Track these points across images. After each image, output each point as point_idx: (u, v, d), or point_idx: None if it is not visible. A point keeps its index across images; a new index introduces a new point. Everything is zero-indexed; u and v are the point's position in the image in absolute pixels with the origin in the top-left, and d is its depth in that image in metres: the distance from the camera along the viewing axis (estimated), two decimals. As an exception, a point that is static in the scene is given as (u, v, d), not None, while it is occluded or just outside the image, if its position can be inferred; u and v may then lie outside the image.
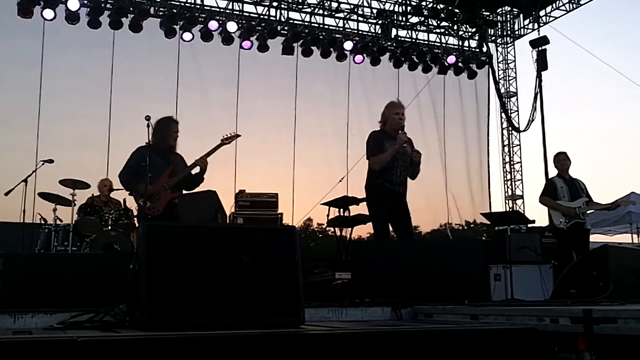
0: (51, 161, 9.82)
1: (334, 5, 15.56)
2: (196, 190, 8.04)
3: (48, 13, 12.63)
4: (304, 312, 4.12)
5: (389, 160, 7.40)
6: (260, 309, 3.98)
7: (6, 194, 9.45)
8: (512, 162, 17.97)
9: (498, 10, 17.53)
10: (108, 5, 13.31)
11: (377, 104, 14.81)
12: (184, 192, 7.80)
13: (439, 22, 16.55)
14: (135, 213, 8.74)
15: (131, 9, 13.35)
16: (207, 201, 10.38)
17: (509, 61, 18.05)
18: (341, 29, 15.73)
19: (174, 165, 7.47)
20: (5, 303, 5.26)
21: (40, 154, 11.39)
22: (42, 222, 9.71)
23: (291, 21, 15.18)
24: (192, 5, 14.15)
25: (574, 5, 16.03)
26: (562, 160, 9.62)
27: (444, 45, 16.78)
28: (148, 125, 7.23)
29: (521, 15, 17.61)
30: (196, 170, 7.46)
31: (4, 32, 13.05)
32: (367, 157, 7.58)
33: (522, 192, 17.75)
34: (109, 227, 9.35)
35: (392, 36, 16.02)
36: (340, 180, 13.53)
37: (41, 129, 12.95)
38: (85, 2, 13.07)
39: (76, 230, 9.35)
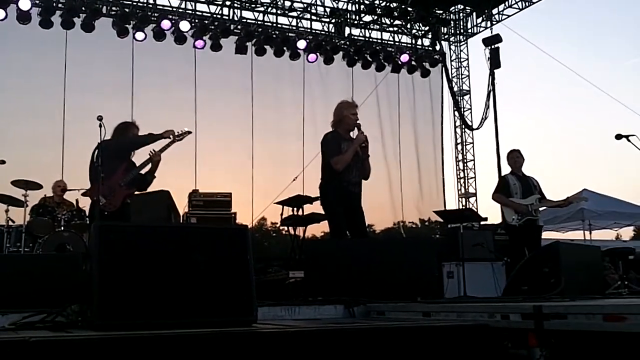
0: (3, 162, 9.66)
1: (287, 4, 15.57)
2: (149, 190, 8.04)
3: (-1, 13, 12.45)
4: (256, 311, 4.14)
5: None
6: (213, 308, 3.99)
7: (-43, 196, 9.33)
8: (465, 160, 18.02)
9: (451, 9, 17.62)
10: (60, 5, 13.15)
11: (333, 102, 14.76)
12: (137, 192, 7.83)
13: (392, 20, 16.62)
14: (87, 213, 8.71)
15: (83, 8, 13.20)
16: (159, 201, 10.30)
17: (462, 59, 18.18)
18: (294, 27, 15.71)
19: (128, 162, 7.63)
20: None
21: (-7, 154, 11.26)
22: (-6, 223, 9.61)
23: (244, 20, 15.15)
24: (145, 5, 14.04)
25: (526, 4, 16.17)
26: (515, 157, 9.62)
27: (397, 43, 16.84)
28: (100, 125, 7.20)
29: (474, 14, 17.68)
30: (147, 167, 7.61)
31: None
32: (327, 158, 7.47)
33: (476, 189, 17.78)
34: (62, 228, 9.32)
35: (346, 35, 16.07)
36: (294, 179, 13.54)
37: (-7, 129, 12.76)
38: (37, 2, 12.89)
39: (28, 231, 9.28)
